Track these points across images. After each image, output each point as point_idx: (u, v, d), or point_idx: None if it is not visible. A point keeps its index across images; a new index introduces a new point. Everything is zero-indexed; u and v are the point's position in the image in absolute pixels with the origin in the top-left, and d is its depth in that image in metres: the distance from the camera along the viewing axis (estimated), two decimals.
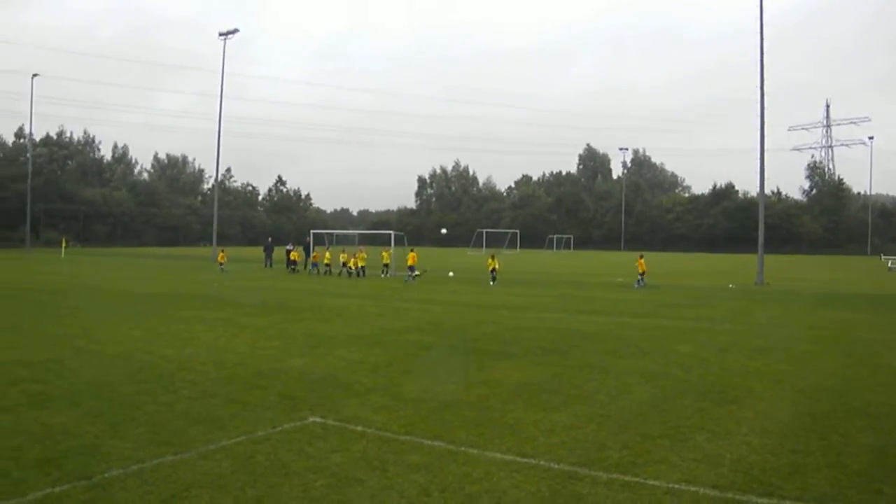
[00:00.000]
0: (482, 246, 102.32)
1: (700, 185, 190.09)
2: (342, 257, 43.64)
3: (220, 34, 67.20)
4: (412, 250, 41.98)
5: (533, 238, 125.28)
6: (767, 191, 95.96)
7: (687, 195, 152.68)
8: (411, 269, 39.24)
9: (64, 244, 77.99)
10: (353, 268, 42.85)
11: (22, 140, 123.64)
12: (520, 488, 7.31)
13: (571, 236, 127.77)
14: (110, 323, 19.74)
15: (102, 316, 21.51)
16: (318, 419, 9.88)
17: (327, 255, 46.23)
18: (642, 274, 36.85)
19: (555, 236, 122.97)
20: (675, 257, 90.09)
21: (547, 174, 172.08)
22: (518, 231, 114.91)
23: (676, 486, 7.41)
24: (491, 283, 37.19)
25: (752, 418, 10.31)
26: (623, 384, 12.51)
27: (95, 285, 34.45)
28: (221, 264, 47.59)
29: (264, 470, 7.79)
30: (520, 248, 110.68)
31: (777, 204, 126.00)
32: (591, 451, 8.61)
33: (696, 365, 14.51)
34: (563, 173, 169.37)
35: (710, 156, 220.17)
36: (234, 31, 67.19)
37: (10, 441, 8.72)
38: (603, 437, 9.22)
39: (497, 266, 38.12)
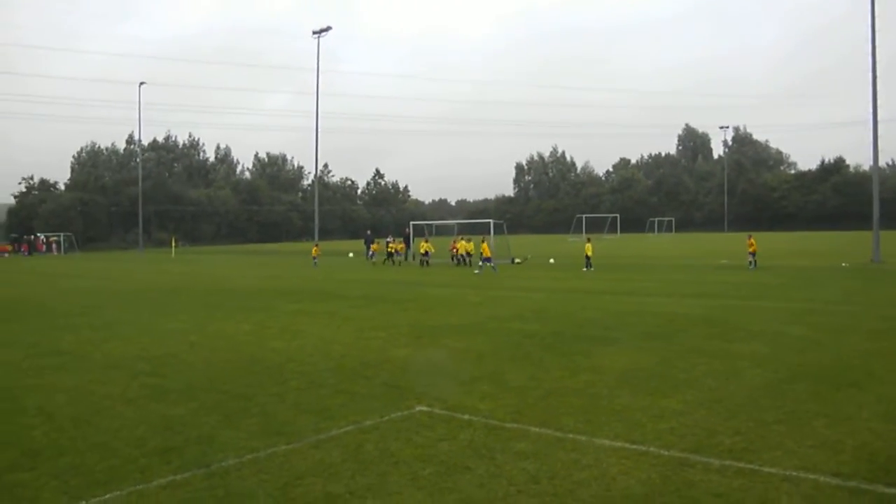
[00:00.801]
0: (582, 232, 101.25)
1: (807, 160, 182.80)
2: (424, 247, 43.98)
3: (314, 32, 68.56)
4: (484, 240, 41.86)
5: (633, 222, 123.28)
6: (882, 163, 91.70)
7: (793, 172, 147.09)
8: (487, 259, 38.55)
9: (174, 244, 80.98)
10: (458, 256, 42.97)
11: (132, 146, 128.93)
12: (629, 475, 7.21)
13: (672, 219, 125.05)
14: (221, 318, 20.41)
15: (213, 312, 22.25)
16: (424, 408, 9.98)
17: (426, 245, 46.54)
18: (753, 254, 35.71)
19: (655, 219, 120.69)
20: (783, 237, 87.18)
21: (645, 156, 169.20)
22: (618, 215, 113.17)
23: (794, 473, 7.17)
24: (584, 268, 36.82)
25: (875, 403, 9.88)
26: (732, 368, 12.20)
27: (205, 282, 35.65)
28: (315, 258, 48.65)
29: (373, 458, 7.91)
30: (620, 232, 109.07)
31: (894, 177, 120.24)
32: (701, 437, 8.43)
33: (810, 348, 14.01)
34: (662, 155, 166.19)
35: (817, 130, 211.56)
36: (327, 29, 68.38)
37: (134, 431, 9.15)
38: (714, 422, 9.01)
39: (590, 253, 37.61)
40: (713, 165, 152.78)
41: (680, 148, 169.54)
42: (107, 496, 6.98)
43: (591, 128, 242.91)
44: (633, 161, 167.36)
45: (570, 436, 8.55)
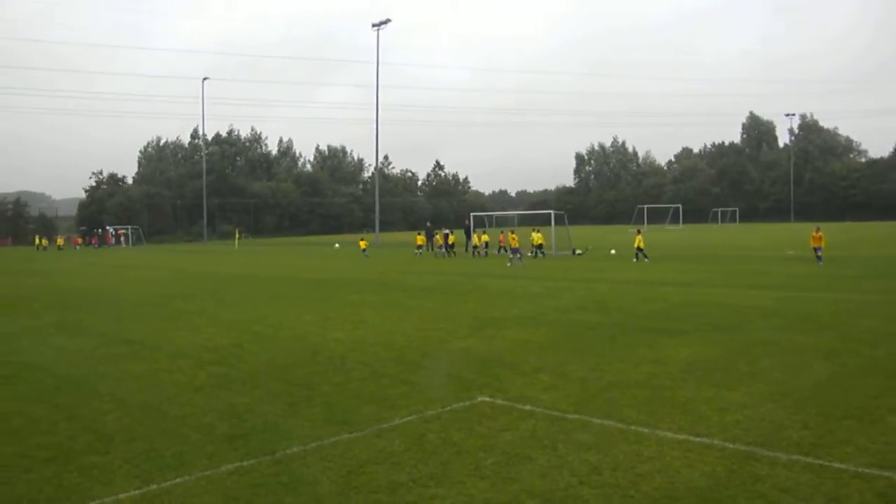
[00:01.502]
0: (644, 222, 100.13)
1: (879, 147, 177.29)
2: (483, 238, 44.07)
3: (373, 25, 68.85)
4: (537, 230, 41.78)
5: (695, 212, 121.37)
6: None
7: (864, 160, 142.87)
8: (515, 251, 38.03)
9: (237, 235, 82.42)
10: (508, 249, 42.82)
11: (196, 140, 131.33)
12: (694, 468, 7.14)
13: (736, 209, 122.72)
14: (283, 308, 20.70)
15: (276, 302, 22.59)
16: (486, 398, 10.00)
17: (484, 236, 46.61)
18: (816, 248, 33.13)
19: (718, 210, 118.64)
20: (852, 227, 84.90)
21: (708, 145, 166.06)
22: (680, 206, 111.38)
23: (867, 470, 6.99)
24: (635, 259, 36.56)
25: None
26: (800, 361, 11.95)
27: (268, 273, 36.18)
28: (364, 250, 49.14)
29: (436, 448, 7.97)
30: (682, 223, 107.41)
31: None
32: (768, 430, 8.28)
33: (883, 341, 13.62)
34: (726, 144, 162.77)
35: (889, 115, 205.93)
36: (387, 22, 68.62)
37: (202, 418, 9.36)
38: (780, 416, 8.85)
39: (642, 245, 37.26)
40: (779, 154, 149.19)
41: (744, 136, 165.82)
42: (176, 480, 7.17)
43: (652, 117, 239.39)
44: (696, 150, 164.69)
45: (633, 427, 8.49)
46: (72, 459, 7.89)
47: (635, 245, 37.44)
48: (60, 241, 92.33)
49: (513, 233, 39.76)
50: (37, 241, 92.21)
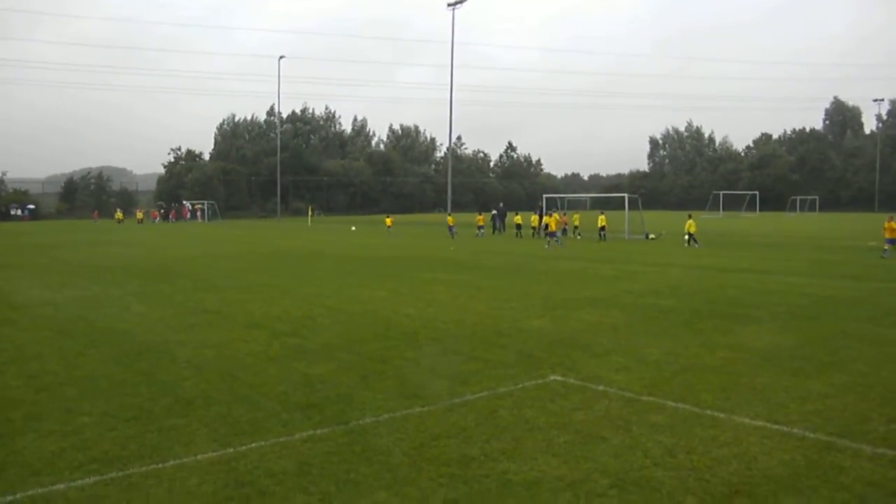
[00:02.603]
0: (719, 209, 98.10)
1: None
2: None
3: (449, 4, 68.46)
4: (551, 214, 41.32)
5: (773, 200, 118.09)
6: None
7: None
8: (552, 234, 38.21)
9: (310, 212, 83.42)
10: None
11: (272, 118, 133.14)
12: (771, 455, 6.98)
13: (816, 197, 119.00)
14: (356, 284, 20.90)
15: (348, 278, 22.82)
16: (558, 378, 9.94)
17: (557, 216, 46.31)
18: (892, 240, 30.98)
19: (797, 197, 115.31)
20: None
21: (788, 131, 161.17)
22: (757, 193, 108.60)
23: None
24: (685, 245, 36.53)
25: None
26: (885, 353, 11.56)
27: (341, 250, 36.57)
28: (451, 227, 48.73)
29: (508, 424, 7.96)
30: (759, 210, 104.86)
31: None
32: (851, 422, 8.04)
33: None
34: (807, 130, 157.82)
35: None
36: (462, 1, 68.21)
37: (277, 387, 9.53)
38: (864, 408, 8.57)
39: (693, 230, 37.35)
40: (864, 141, 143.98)
41: (826, 122, 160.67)
42: (252, 444, 7.32)
43: (731, 101, 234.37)
44: (776, 136, 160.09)
45: (708, 412, 8.35)
46: (153, 420, 8.13)
47: (686, 230, 37.60)
48: (139, 214, 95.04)
49: (551, 215, 40.03)
50: (116, 214, 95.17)
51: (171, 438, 7.54)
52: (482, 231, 49.04)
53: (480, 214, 50.80)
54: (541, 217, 48.98)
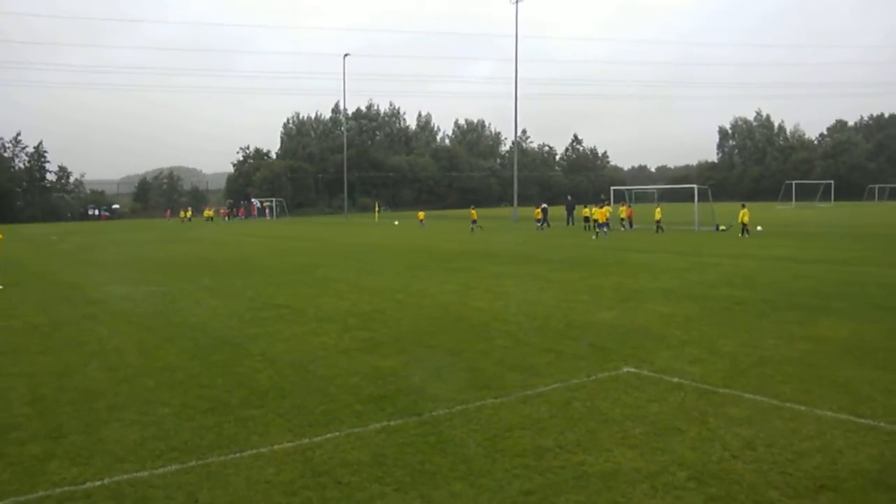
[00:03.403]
0: (791, 199, 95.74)
1: None
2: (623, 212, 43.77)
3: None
4: (601, 206, 42.00)
5: (849, 189, 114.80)
6: None
7: None
8: (602, 224, 39.95)
9: (377, 208, 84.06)
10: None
11: (337, 115, 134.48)
12: (858, 450, 6.74)
13: None
14: (425, 278, 20.97)
15: (417, 272, 22.91)
16: (632, 369, 9.80)
17: (608, 209, 46.08)
18: None
19: (876, 186, 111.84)
20: None
21: (865, 118, 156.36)
22: (832, 182, 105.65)
23: None
24: (740, 234, 36.76)
25: None
26: None
27: (408, 244, 36.75)
28: (475, 221, 49.46)
29: (582, 416, 7.87)
30: (834, 200, 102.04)
31: None
32: None
33: None
34: (885, 116, 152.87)
35: None
36: None
37: (349, 379, 9.60)
38: None
39: (746, 220, 37.31)
40: None
41: None
42: (327, 435, 7.37)
43: (804, 88, 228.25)
44: (851, 123, 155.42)
45: (788, 405, 8.11)
46: (229, 412, 8.26)
47: (740, 220, 37.46)
48: (209, 212, 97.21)
49: (600, 207, 41.21)
50: (182, 213, 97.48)
51: (247, 429, 7.65)
52: (541, 224, 48.84)
53: (538, 208, 50.57)
54: (570, 211, 48.88)
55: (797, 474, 6.21)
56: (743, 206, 38.68)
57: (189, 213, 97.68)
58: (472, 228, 48.31)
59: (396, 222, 65.73)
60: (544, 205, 53.02)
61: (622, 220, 46.92)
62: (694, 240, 35.80)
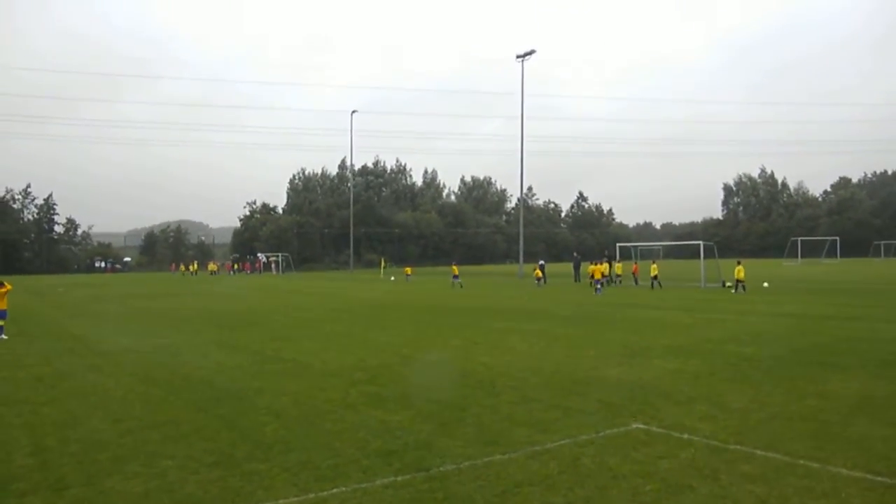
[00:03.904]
0: (797, 256, 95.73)
1: None
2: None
3: (518, 56, 69.03)
4: (600, 263, 43.89)
5: (854, 245, 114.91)
6: None
7: None
8: (598, 281, 40.87)
9: (382, 264, 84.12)
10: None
11: (344, 171, 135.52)
12: None
13: None
14: (431, 334, 20.88)
15: (423, 328, 22.82)
16: (640, 425, 9.69)
17: (604, 266, 46.58)
18: None
19: (881, 243, 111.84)
20: None
21: (868, 175, 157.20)
22: (837, 238, 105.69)
23: None
24: (734, 291, 37.57)
25: None
26: None
27: (414, 300, 36.70)
28: (456, 276, 50.44)
29: (591, 472, 7.76)
30: (840, 256, 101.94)
31: None
32: None
33: None
34: (889, 172, 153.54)
35: None
36: (531, 53, 68.68)
37: (356, 434, 9.49)
38: None
39: (742, 277, 38.12)
40: None
41: None
42: (333, 490, 7.27)
43: (807, 146, 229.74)
44: (855, 180, 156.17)
45: (801, 461, 7.99)
46: (234, 465, 8.16)
47: (735, 276, 38.27)
48: (213, 266, 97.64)
49: (596, 264, 42.99)
50: (182, 267, 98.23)
51: (252, 483, 7.55)
52: (540, 282, 48.91)
53: (537, 269, 50.80)
54: (610, 265, 48.88)
55: None
56: (738, 263, 39.49)
57: (195, 267, 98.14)
58: (453, 284, 49.24)
59: (392, 278, 66.17)
60: (542, 262, 53.57)
61: (617, 276, 47.55)
62: (700, 296, 35.69)
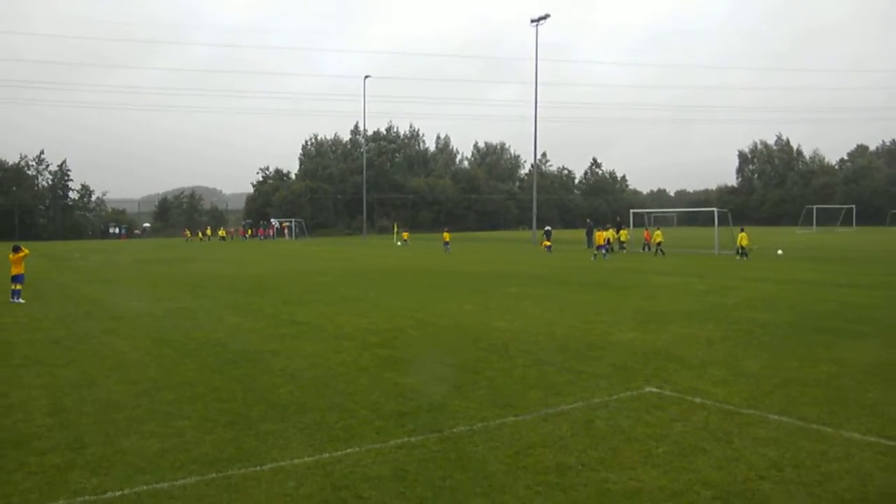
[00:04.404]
0: (812, 224, 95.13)
1: None
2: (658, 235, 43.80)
3: (532, 21, 68.36)
4: (603, 229, 44.32)
5: (871, 214, 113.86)
6: None
7: None
8: (601, 247, 41.41)
9: (395, 230, 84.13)
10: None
11: (357, 136, 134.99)
12: (890, 472, 6.63)
13: None
14: (444, 298, 20.91)
15: (436, 292, 22.86)
16: (654, 389, 9.71)
17: (611, 232, 46.74)
18: None
19: None
20: None
21: (887, 142, 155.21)
22: (853, 207, 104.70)
23: None
24: (737, 257, 37.78)
25: None
26: None
27: (427, 266, 36.72)
28: (447, 243, 52.04)
29: (604, 434, 7.79)
30: (855, 224, 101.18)
31: None
32: None
33: None
34: None
35: None
36: (546, 17, 67.95)
37: (369, 396, 9.55)
38: None
39: (747, 243, 38.33)
40: None
41: None
42: (347, 451, 7.33)
43: (825, 113, 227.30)
44: (872, 148, 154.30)
45: (814, 426, 8.00)
46: (249, 426, 8.23)
47: (738, 243, 38.39)
48: (223, 232, 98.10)
49: (601, 231, 43.58)
50: (192, 233, 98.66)
51: (267, 443, 7.62)
52: (550, 249, 48.89)
53: (547, 238, 50.68)
54: (618, 232, 48.82)
55: (826, 496, 6.10)
56: (742, 230, 39.43)
57: (210, 232, 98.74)
58: (446, 250, 50.03)
59: (399, 243, 66.49)
60: (548, 227, 53.80)
61: (622, 243, 47.50)
62: (714, 263, 35.56)
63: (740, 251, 37.87)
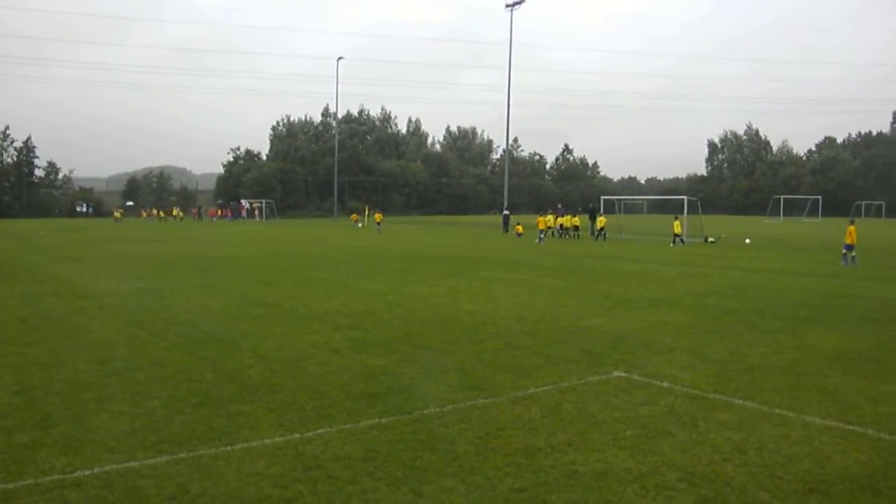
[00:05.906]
0: (779, 214, 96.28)
1: None
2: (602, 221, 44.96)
3: (507, 5, 68.20)
4: (544, 215, 46.47)
5: (836, 205, 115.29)
6: None
7: None
8: (542, 231, 42.94)
9: (367, 212, 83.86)
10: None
11: (328, 118, 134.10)
12: (846, 455, 6.81)
13: (882, 203, 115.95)
14: (415, 281, 20.95)
15: (407, 275, 22.87)
16: (622, 374, 9.85)
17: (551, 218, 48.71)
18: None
19: (862, 203, 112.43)
20: None
21: (853, 135, 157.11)
22: (820, 198, 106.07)
23: None
24: (671, 244, 39.45)
25: None
26: None
27: (398, 249, 36.70)
28: (378, 223, 55.67)
29: (572, 417, 7.90)
30: (822, 215, 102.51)
31: None
32: None
33: None
34: (873, 133, 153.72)
35: None
36: (521, 2, 67.85)
37: (340, 377, 9.60)
38: None
39: (680, 231, 40.42)
40: None
41: (894, 126, 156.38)
42: (318, 431, 7.38)
43: (791, 104, 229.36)
44: (840, 140, 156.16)
45: (777, 411, 8.19)
46: (220, 406, 8.25)
47: (673, 231, 40.58)
48: (175, 211, 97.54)
49: (543, 216, 45.45)
50: (149, 213, 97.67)
51: (237, 423, 7.64)
52: (521, 235, 49.16)
53: (519, 224, 50.87)
54: (593, 219, 49.10)
55: (786, 478, 6.26)
56: (676, 218, 41.53)
57: (176, 212, 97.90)
58: (378, 230, 54.15)
59: (360, 224, 67.27)
60: (506, 212, 55.15)
61: (600, 230, 47.72)
62: (683, 251, 35.89)
63: (675, 238, 39.90)
